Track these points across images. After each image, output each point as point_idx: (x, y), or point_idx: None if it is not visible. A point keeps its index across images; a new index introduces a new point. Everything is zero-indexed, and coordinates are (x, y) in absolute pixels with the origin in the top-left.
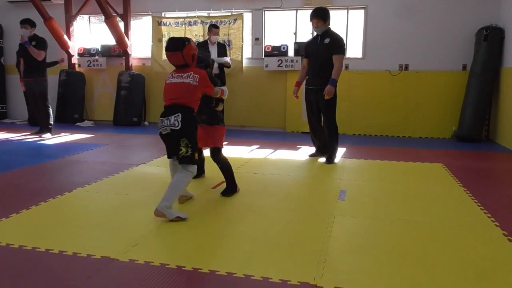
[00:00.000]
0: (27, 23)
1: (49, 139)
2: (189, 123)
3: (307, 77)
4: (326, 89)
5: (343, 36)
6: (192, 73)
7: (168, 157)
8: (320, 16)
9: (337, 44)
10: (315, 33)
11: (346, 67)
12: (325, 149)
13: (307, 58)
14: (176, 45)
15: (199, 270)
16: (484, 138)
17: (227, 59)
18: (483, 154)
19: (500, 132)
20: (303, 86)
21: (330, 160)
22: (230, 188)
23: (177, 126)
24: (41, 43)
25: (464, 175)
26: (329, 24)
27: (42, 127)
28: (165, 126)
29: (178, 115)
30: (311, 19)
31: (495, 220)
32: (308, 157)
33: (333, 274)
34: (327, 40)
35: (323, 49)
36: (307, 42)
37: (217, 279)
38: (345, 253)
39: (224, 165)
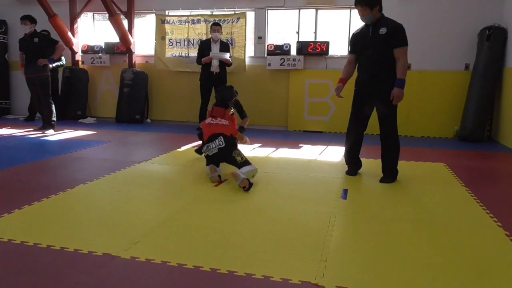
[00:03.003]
0: (27, 19)
1: (52, 135)
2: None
3: (358, 77)
4: (394, 93)
5: (346, 35)
6: None
7: None
8: (364, 1)
9: (398, 34)
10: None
11: None
12: (385, 167)
13: (354, 53)
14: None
15: (200, 268)
16: (487, 138)
17: (226, 56)
18: (486, 154)
19: (503, 132)
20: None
21: (390, 177)
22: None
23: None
24: (48, 39)
25: (466, 175)
26: (380, 10)
27: (45, 123)
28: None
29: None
30: (355, 7)
31: (498, 220)
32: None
33: (335, 273)
34: (383, 30)
35: (380, 42)
36: (355, 34)
37: (218, 278)
38: (346, 252)
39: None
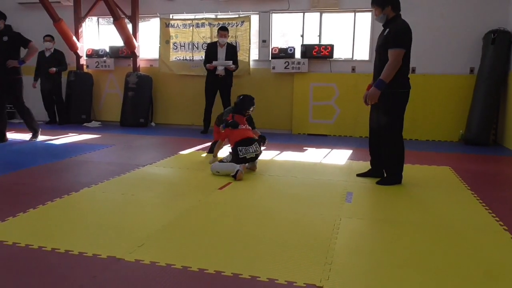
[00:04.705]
0: None
1: (54, 139)
2: None
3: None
4: (368, 92)
5: (350, 39)
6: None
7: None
8: (374, 1)
9: (394, 35)
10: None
11: (353, 70)
12: (384, 170)
13: None
14: None
15: (204, 271)
16: (492, 142)
17: (229, 63)
18: (491, 158)
19: (508, 136)
20: None
21: (384, 180)
22: None
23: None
24: (19, 38)
25: (472, 178)
26: (394, 11)
27: (31, 130)
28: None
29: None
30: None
31: (504, 224)
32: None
33: (339, 276)
34: (386, 31)
35: (382, 43)
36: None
37: (223, 280)
38: (351, 255)
39: None
